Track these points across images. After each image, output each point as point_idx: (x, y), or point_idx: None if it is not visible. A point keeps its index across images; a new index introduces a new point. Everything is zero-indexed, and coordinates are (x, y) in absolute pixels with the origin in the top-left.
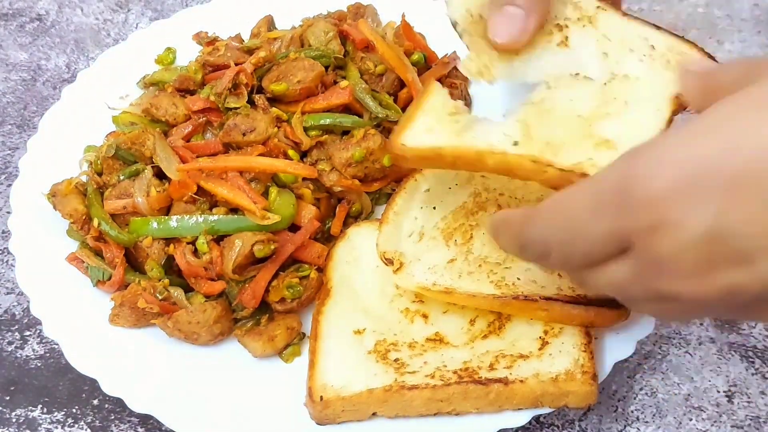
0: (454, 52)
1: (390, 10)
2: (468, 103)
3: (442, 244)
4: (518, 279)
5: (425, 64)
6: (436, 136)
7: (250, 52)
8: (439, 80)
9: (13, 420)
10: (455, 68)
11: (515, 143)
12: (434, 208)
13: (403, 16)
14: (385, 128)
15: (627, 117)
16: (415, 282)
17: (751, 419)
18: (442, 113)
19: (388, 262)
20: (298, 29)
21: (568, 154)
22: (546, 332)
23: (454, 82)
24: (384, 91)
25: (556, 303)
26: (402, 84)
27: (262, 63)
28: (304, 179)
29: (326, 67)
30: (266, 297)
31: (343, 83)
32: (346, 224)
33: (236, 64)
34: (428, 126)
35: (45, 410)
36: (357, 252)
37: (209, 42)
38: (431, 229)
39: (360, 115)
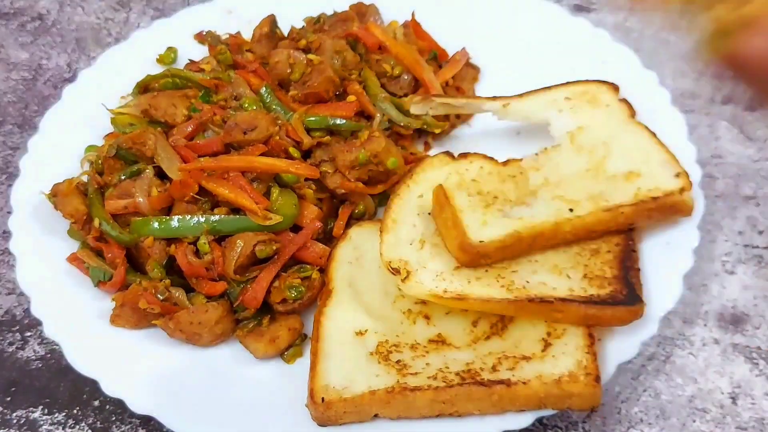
0: (464, 48)
1: (391, 9)
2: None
3: (444, 250)
4: (527, 282)
5: (437, 62)
6: (510, 221)
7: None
8: (446, 82)
9: (14, 421)
10: (464, 66)
11: (570, 210)
12: (429, 213)
13: (413, 14)
14: (394, 132)
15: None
16: (425, 290)
17: (755, 421)
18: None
19: (395, 271)
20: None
21: (613, 197)
22: (549, 334)
23: (460, 86)
24: (402, 92)
25: (572, 304)
26: (416, 83)
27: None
28: (306, 179)
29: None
30: (268, 298)
31: (351, 98)
32: (348, 224)
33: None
34: (488, 220)
35: (46, 411)
36: (359, 252)
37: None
38: (431, 236)
39: (371, 117)
